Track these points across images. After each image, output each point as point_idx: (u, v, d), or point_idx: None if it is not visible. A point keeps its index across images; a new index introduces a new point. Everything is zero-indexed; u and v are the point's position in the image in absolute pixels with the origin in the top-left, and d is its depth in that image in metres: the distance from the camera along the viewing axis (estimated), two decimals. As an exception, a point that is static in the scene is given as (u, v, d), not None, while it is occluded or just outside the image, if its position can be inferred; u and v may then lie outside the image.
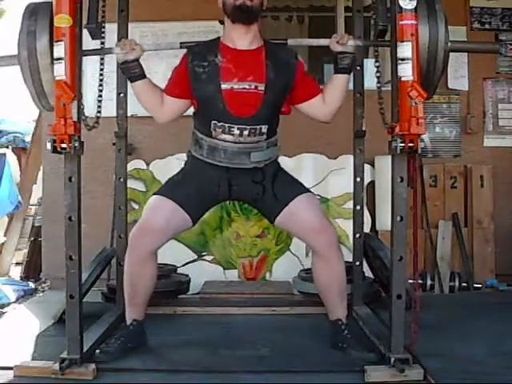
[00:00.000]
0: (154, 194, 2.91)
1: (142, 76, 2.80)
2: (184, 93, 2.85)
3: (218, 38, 2.88)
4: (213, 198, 2.93)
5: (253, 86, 2.75)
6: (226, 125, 2.76)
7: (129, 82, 2.90)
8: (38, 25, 2.54)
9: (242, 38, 2.79)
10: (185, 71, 2.81)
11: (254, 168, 2.84)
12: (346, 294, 2.98)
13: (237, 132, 2.76)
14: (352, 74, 3.03)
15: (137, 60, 2.77)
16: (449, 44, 2.59)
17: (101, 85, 3.04)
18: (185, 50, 2.84)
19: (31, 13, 2.57)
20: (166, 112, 2.90)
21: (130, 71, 2.79)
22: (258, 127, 2.78)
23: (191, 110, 2.94)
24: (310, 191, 2.98)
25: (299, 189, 2.91)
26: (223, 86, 2.74)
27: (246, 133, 2.77)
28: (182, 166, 3.00)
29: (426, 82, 2.59)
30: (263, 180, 2.86)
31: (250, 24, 2.77)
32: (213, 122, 2.78)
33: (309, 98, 2.87)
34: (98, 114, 2.99)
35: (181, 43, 2.87)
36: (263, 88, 2.75)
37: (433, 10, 2.57)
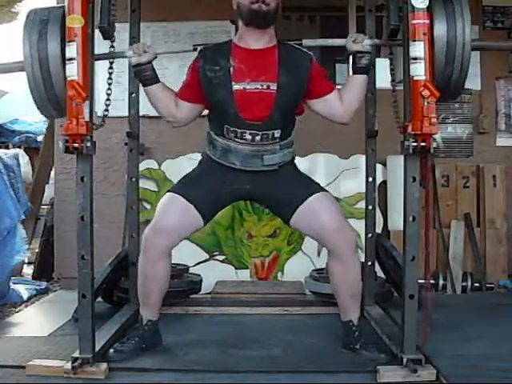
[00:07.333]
0: (168, 192, 2.88)
1: (155, 79, 2.79)
2: (197, 98, 2.83)
3: (231, 40, 2.86)
4: (226, 198, 2.91)
5: (265, 86, 2.72)
6: (239, 130, 2.75)
7: (141, 86, 2.89)
8: (49, 28, 2.50)
9: (256, 41, 2.77)
10: (197, 76, 2.79)
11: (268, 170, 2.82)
12: (360, 297, 2.94)
13: (249, 137, 2.75)
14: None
15: (149, 63, 2.76)
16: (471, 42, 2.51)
17: (109, 84, 3.01)
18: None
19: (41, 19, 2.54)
20: (181, 116, 2.88)
21: (142, 74, 2.77)
22: (271, 132, 2.76)
23: (205, 112, 2.94)
24: (326, 190, 2.91)
25: (315, 188, 2.87)
26: (235, 87, 2.72)
27: (258, 138, 2.75)
28: (195, 165, 2.98)
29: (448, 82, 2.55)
30: (278, 182, 2.83)
31: (264, 28, 2.76)
32: (225, 126, 2.77)
33: (323, 95, 2.82)
34: (106, 113, 2.97)
35: (194, 45, 2.85)
36: (275, 88, 2.72)
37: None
